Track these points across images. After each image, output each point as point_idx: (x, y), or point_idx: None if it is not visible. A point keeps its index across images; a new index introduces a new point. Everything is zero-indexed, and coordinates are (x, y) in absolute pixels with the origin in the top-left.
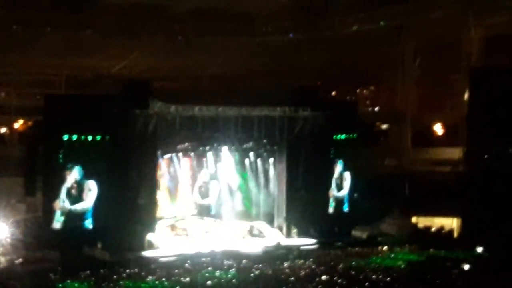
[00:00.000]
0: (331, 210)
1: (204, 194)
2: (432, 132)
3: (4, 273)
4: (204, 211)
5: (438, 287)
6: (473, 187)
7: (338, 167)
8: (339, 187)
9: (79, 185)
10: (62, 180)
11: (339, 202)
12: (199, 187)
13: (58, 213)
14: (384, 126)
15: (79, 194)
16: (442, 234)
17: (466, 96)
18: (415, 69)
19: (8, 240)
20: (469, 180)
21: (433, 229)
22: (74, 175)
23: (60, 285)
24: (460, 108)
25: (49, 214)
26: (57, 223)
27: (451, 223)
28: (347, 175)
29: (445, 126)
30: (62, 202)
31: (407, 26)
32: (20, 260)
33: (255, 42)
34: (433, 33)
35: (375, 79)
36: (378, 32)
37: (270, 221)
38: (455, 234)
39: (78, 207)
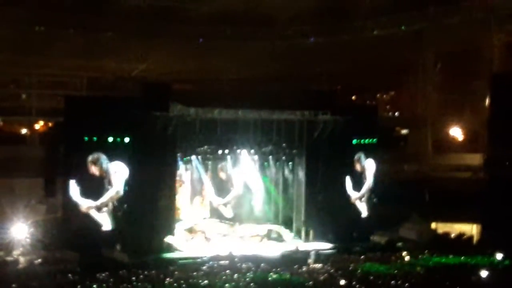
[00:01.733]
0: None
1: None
2: (453, 138)
3: (23, 273)
4: (220, 214)
5: None
6: (493, 194)
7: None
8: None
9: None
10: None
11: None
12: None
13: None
14: (404, 131)
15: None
16: (462, 240)
17: (487, 102)
18: (435, 74)
19: (28, 240)
20: (489, 187)
21: (452, 235)
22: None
23: (79, 286)
24: (481, 114)
25: (69, 215)
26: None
27: (471, 229)
28: (369, 169)
29: (465, 132)
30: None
31: (427, 31)
32: (40, 260)
33: (275, 46)
34: (454, 38)
35: (395, 84)
36: (399, 37)
37: (289, 225)
38: (475, 241)
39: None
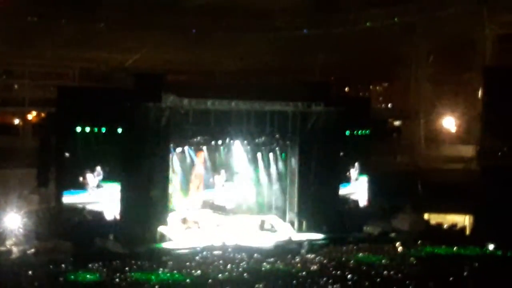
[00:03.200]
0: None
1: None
2: (445, 130)
3: (16, 263)
4: (214, 204)
5: (449, 284)
6: (486, 185)
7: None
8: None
9: None
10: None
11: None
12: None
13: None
14: (397, 123)
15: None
16: (454, 231)
17: (479, 94)
18: (428, 66)
19: (21, 230)
20: (482, 178)
21: (445, 226)
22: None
23: (72, 275)
24: (473, 106)
25: (62, 205)
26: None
27: (463, 220)
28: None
29: (458, 123)
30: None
31: (420, 23)
32: (33, 250)
33: (269, 38)
34: (447, 30)
35: (388, 76)
36: (392, 29)
37: (282, 216)
38: (467, 231)
39: None
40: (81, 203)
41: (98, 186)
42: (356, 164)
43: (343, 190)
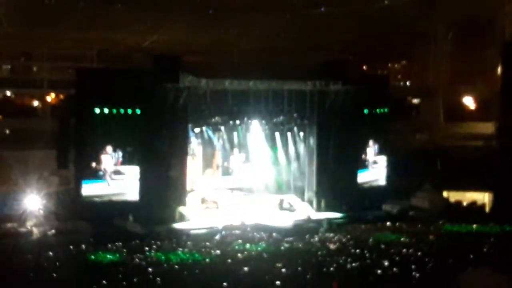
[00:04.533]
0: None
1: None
2: (464, 107)
3: (37, 244)
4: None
5: (469, 261)
6: (505, 162)
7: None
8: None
9: None
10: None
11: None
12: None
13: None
14: (416, 101)
15: None
16: (474, 209)
17: (498, 70)
18: (447, 43)
19: (41, 212)
20: (501, 155)
21: (464, 204)
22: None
23: (92, 255)
24: (492, 82)
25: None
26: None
27: (483, 198)
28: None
29: (477, 100)
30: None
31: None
32: (53, 231)
33: (286, 16)
34: (466, 7)
35: (406, 53)
36: (410, 6)
37: (301, 195)
38: (487, 209)
39: None
40: (101, 196)
41: (117, 172)
42: (374, 145)
43: (361, 177)
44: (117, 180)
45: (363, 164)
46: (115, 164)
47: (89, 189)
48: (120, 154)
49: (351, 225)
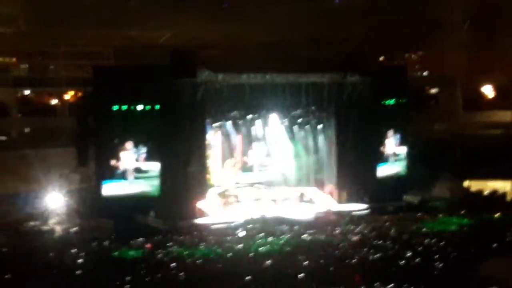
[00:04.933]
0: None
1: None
2: (483, 95)
3: (60, 242)
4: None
5: (492, 250)
6: None
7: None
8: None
9: None
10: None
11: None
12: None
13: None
14: (434, 91)
15: None
16: (495, 198)
17: None
18: (464, 31)
19: (63, 209)
20: None
21: (485, 193)
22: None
23: (115, 252)
24: (511, 70)
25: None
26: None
27: (504, 186)
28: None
29: (496, 89)
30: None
31: None
32: (75, 229)
33: (302, 9)
34: None
35: (423, 43)
36: None
37: (321, 187)
38: (508, 197)
39: None
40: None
41: (138, 170)
42: (394, 136)
43: (381, 171)
44: (140, 178)
45: (382, 157)
46: (137, 160)
47: (109, 188)
48: (143, 150)
49: (372, 216)
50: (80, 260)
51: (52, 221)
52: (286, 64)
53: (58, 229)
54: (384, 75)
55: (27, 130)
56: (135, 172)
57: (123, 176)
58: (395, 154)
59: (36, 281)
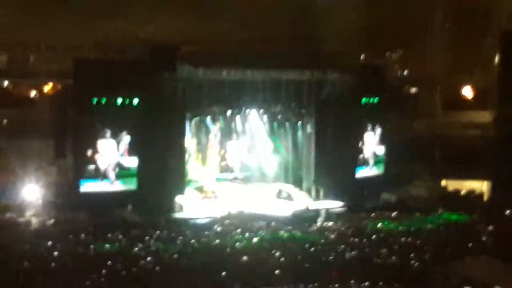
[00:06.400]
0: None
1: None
2: (462, 96)
3: (36, 234)
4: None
5: (468, 250)
6: (503, 151)
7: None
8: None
9: None
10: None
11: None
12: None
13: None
14: (413, 90)
15: None
16: (472, 197)
17: (496, 59)
18: (444, 31)
19: (40, 201)
20: (499, 144)
21: (462, 192)
22: None
23: (92, 246)
24: (490, 71)
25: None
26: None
27: (481, 186)
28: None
29: (475, 89)
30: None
31: None
32: (52, 221)
33: (283, 5)
34: None
35: (403, 43)
36: None
37: (299, 184)
38: (485, 197)
39: None
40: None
41: (120, 166)
42: (374, 136)
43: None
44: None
45: (360, 155)
46: (122, 155)
47: (88, 186)
48: (122, 143)
49: (349, 214)
50: (55, 253)
51: (28, 213)
52: (267, 61)
53: (35, 221)
54: (364, 74)
55: (4, 121)
56: (117, 167)
57: (104, 176)
58: (373, 152)
59: (11, 273)
